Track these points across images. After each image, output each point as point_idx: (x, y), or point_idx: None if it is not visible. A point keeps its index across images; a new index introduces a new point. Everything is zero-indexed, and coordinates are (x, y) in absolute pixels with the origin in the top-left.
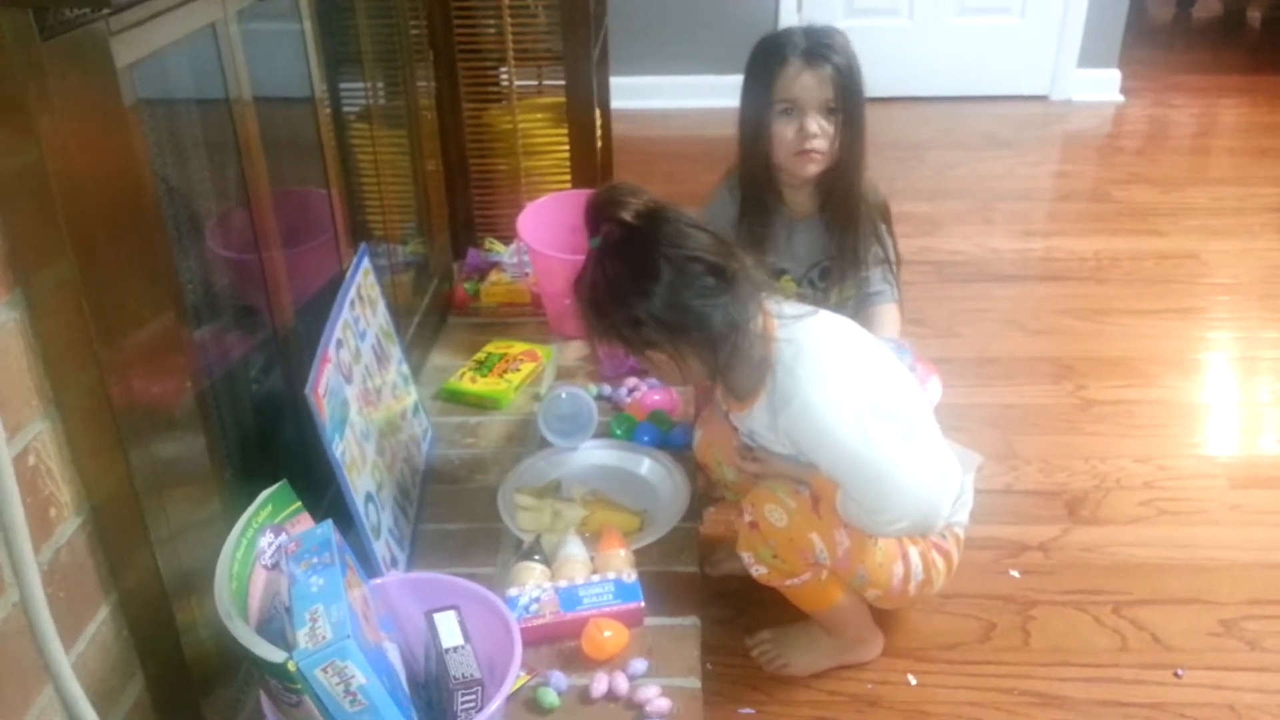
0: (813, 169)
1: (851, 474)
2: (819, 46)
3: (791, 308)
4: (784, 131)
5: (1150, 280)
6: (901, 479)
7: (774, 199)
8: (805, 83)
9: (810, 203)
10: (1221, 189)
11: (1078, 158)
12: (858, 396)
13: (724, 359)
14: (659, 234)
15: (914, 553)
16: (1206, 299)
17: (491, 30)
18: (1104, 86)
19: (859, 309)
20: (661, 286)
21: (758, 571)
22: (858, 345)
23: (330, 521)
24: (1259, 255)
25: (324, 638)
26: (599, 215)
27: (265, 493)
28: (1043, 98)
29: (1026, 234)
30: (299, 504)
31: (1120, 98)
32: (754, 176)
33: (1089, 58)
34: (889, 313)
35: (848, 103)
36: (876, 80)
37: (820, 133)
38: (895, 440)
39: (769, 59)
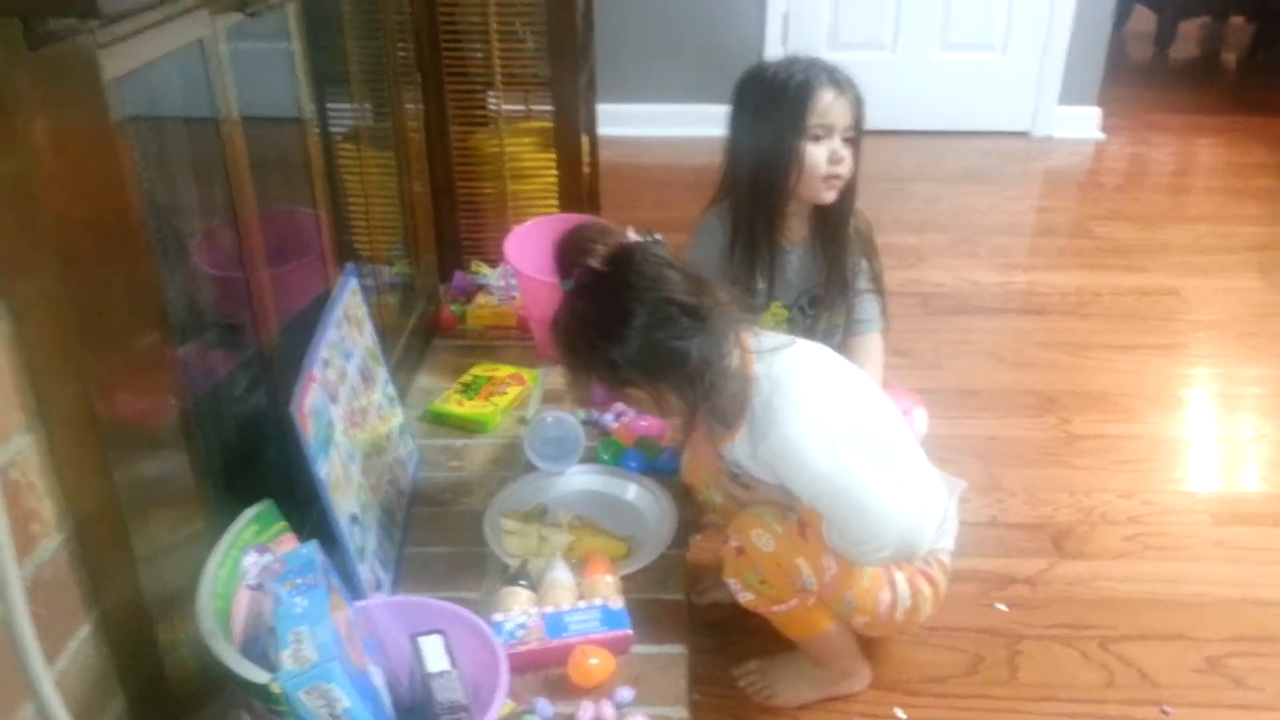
0: (833, 194)
1: (831, 505)
2: (841, 75)
3: (769, 339)
4: (817, 156)
5: (1131, 316)
6: (881, 507)
7: (769, 227)
8: (839, 108)
9: (803, 229)
10: (1200, 226)
11: (1059, 193)
12: (834, 426)
13: (702, 395)
14: (629, 276)
15: (900, 579)
16: (1187, 335)
17: (479, 55)
18: (1084, 124)
19: (846, 336)
20: (634, 329)
21: (744, 598)
22: (835, 374)
23: (315, 542)
24: (1238, 293)
25: (308, 660)
26: (569, 259)
27: (250, 511)
28: (1024, 134)
29: (1009, 268)
30: (284, 524)
31: (1100, 135)
32: (755, 205)
33: (1069, 95)
34: (873, 343)
35: (860, 129)
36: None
37: (846, 157)
38: (874, 468)
39: (795, 87)
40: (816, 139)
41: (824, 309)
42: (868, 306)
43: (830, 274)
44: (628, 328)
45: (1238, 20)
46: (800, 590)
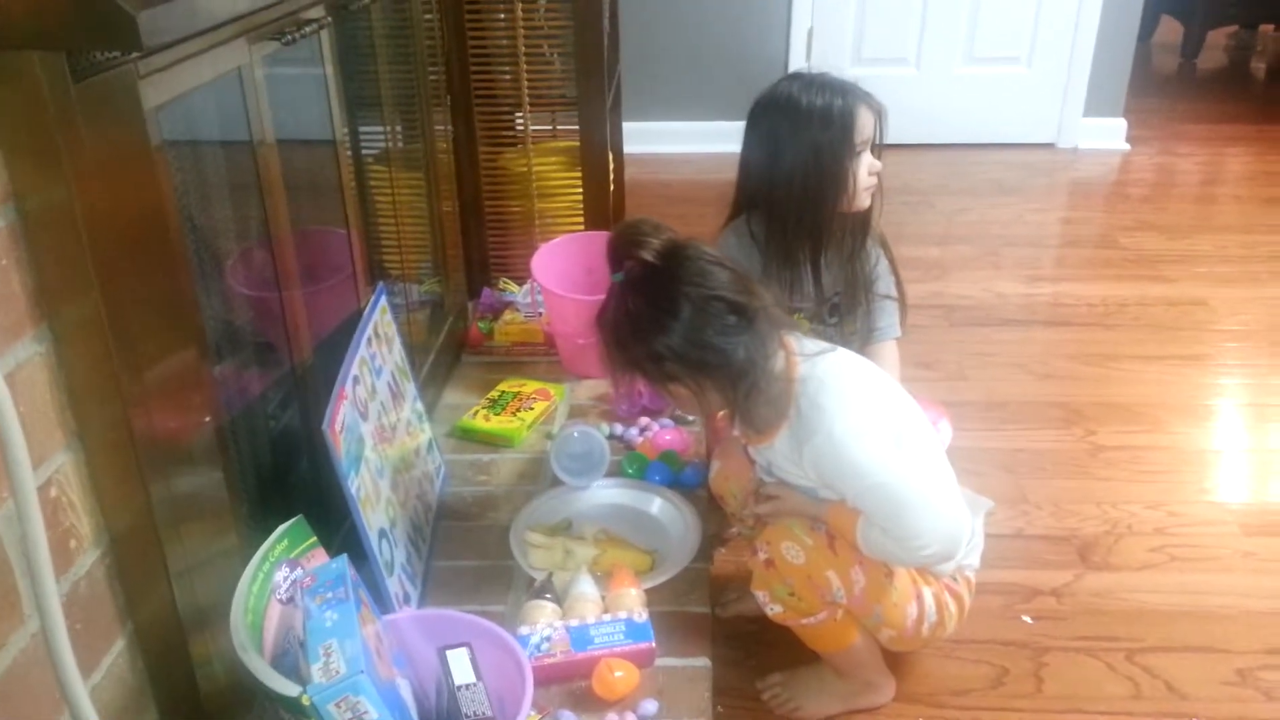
0: (869, 198)
1: (878, 503)
2: (865, 91)
3: (812, 344)
4: (860, 170)
5: (1158, 326)
6: (928, 505)
7: (814, 242)
8: (869, 123)
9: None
10: (1228, 236)
11: (1084, 204)
12: (881, 425)
13: (744, 393)
14: (680, 271)
15: (928, 593)
16: (1214, 345)
17: (507, 77)
18: (1110, 135)
19: (863, 344)
20: (682, 323)
21: (773, 610)
22: (877, 379)
23: (345, 556)
24: (1266, 302)
25: (337, 672)
26: (621, 251)
27: (282, 527)
28: (1049, 145)
29: (1034, 279)
30: (315, 539)
31: (1126, 146)
32: (799, 222)
33: (1095, 107)
34: (889, 350)
35: (883, 137)
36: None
37: (879, 164)
38: (919, 467)
39: (840, 113)
40: (858, 154)
41: (845, 315)
42: (887, 313)
43: (851, 278)
44: (675, 321)
45: (1267, 28)
46: (829, 603)
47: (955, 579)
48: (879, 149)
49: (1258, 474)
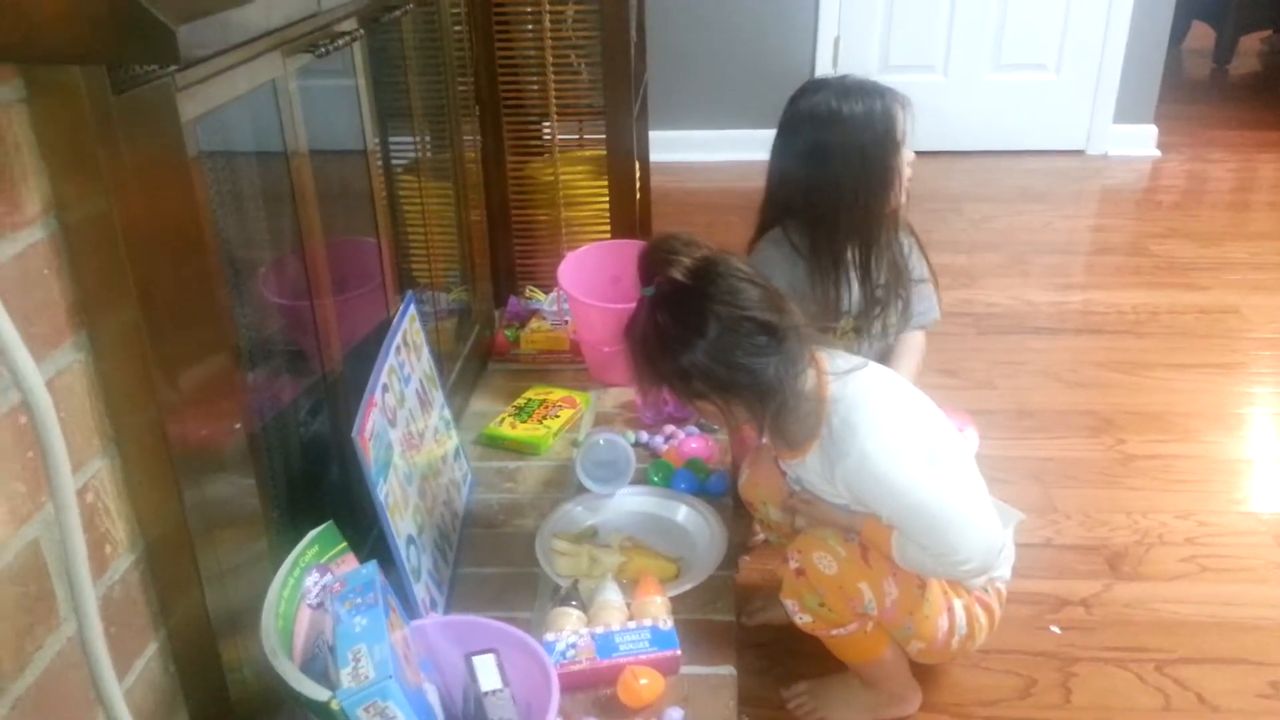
0: (905, 194)
1: (914, 520)
2: (893, 89)
3: (843, 361)
4: (903, 166)
5: (1190, 334)
6: (966, 521)
7: (868, 243)
8: (903, 118)
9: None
10: (1261, 243)
11: (1115, 212)
12: (915, 443)
13: (773, 412)
14: (710, 290)
15: (959, 605)
16: (1248, 354)
17: (535, 87)
18: (1140, 142)
19: (904, 330)
20: (709, 343)
21: (802, 620)
22: (909, 397)
23: (375, 562)
24: None
25: (366, 677)
26: (653, 266)
27: (312, 533)
28: (1079, 152)
29: (1064, 287)
30: (345, 544)
31: (1157, 153)
32: (851, 225)
33: (1125, 113)
34: (919, 337)
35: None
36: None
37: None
38: (954, 482)
39: (883, 114)
40: (899, 151)
41: (888, 309)
42: (925, 296)
43: (894, 272)
44: (703, 340)
45: None
46: (860, 615)
47: (986, 590)
48: (908, 140)
49: None
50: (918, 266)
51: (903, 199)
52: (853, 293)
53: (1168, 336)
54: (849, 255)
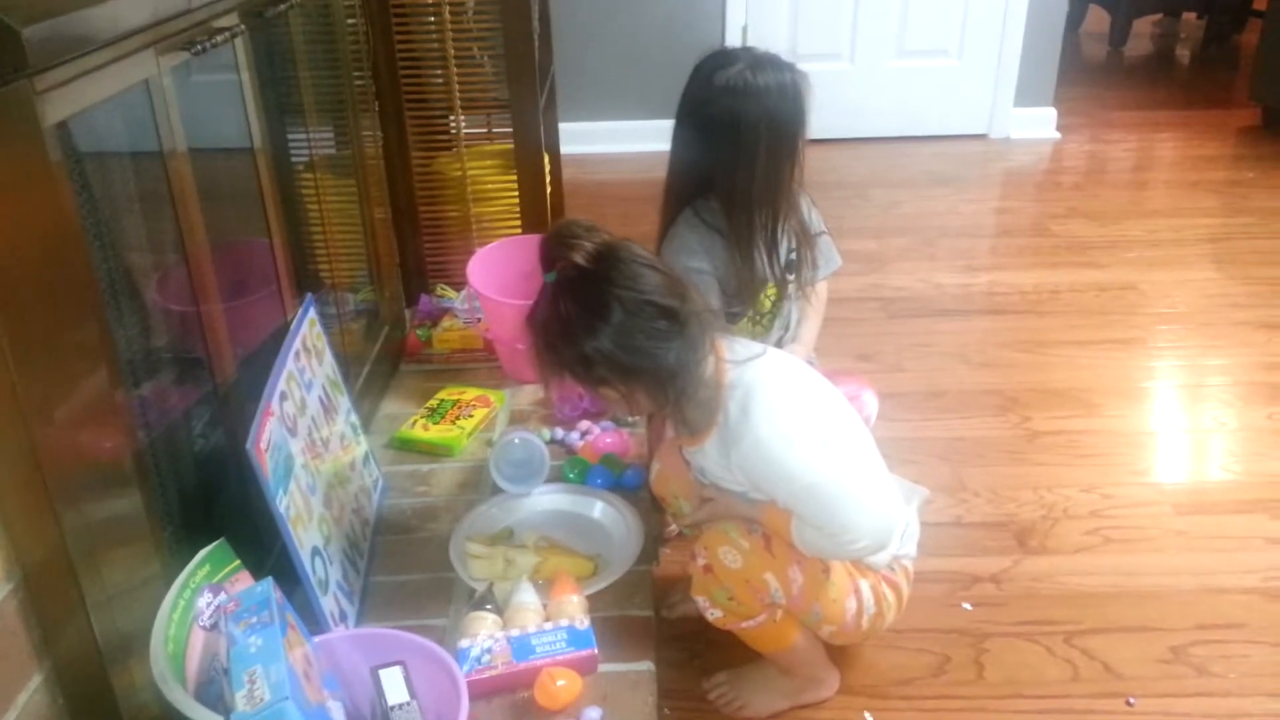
0: None
1: (808, 502)
2: (787, 60)
3: (744, 348)
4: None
5: (1090, 312)
6: (858, 500)
7: (775, 215)
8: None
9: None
10: (1157, 221)
11: (1017, 194)
12: (808, 427)
13: (673, 398)
14: (612, 274)
15: (865, 586)
16: (1146, 329)
17: (438, 80)
18: (1040, 124)
19: (813, 283)
20: (612, 327)
21: (713, 615)
22: (805, 383)
23: (270, 579)
24: (1196, 285)
25: (262, 699)
26: (554, 251)
27: (203, 552)
28: (982, 136)
29: (969, 269)
30: (238, 562)
31: (1057, 135)
32: (764, 199)
33: (1025, 97)
34: (820, 291)
35: None
36: (820, 122)
37: None
38: (847, 463)
39: (794, 85)
40: (808, 127)
41: (801, 269)
42: (827, 246)
43: (801, 233)
44: (606, 325)
45: (1190, 16)
46: (768, 605)
47: (893, 569)
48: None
49: (1189, 454)
50: (815, 222)
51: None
52: (766, 260)
53: (1069, 314)
54: (764, 225)
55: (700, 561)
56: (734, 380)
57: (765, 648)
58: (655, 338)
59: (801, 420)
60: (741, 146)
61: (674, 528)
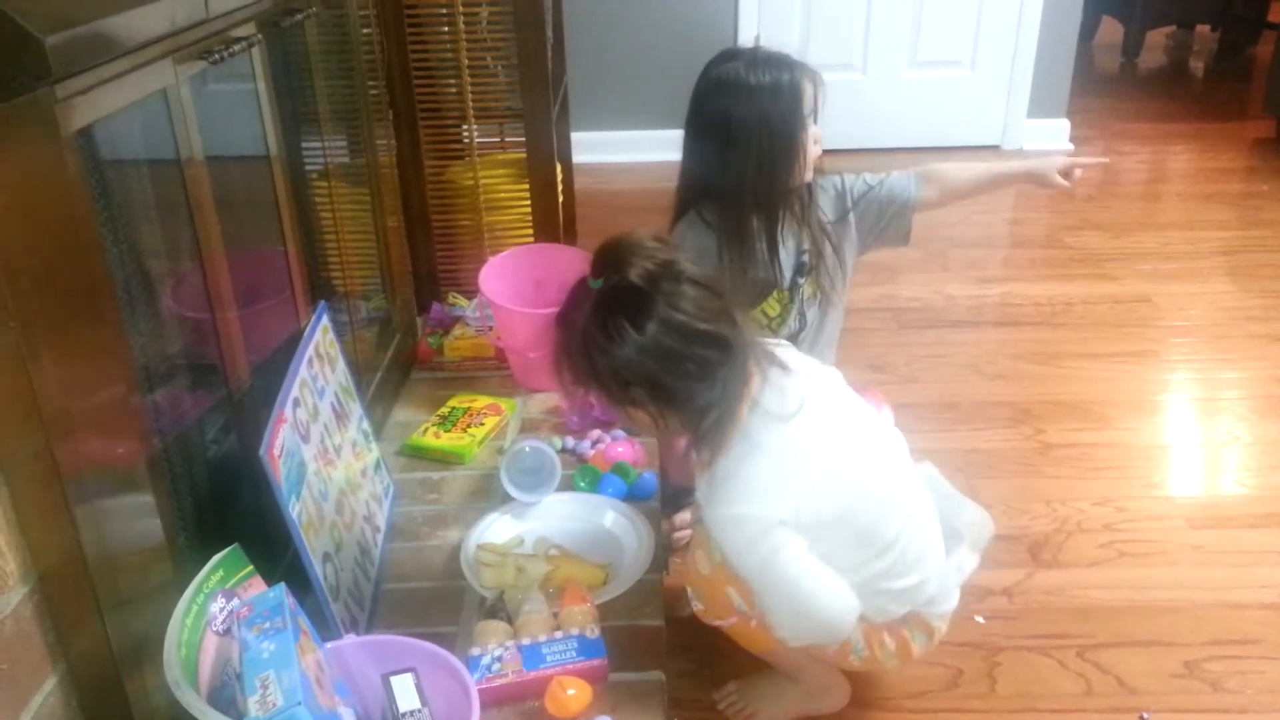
0: (811, 172)
1: (748, 578)
2: (802, 63)
3: (775, 401)
4: (809, 139)
5: (1104, 324)
6: (788, 609)
7: (772, 219)
8: (814, 93)
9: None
10: (1171, 233)
11: (1030, 205)
12: (774, 521)
13: (709, 427)
14: (665, 300)
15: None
16: (1160, 342)
17: (452, 90)
18: (1054, 135)
19: (912, 208)
20: (661, 350)
21: (696, 608)
22: (823, 453)
23: (283, 585)
24: (1210, 298)
25: (274, 705)
26: (608, 263)
27: (216, 557)
28: (994, 147)
29: (982, 280)
30: (251, 567)
31: (1070, 146)
32: (755, 202)
33: (1038, 108)
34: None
35: (820, 105)
36: (832, 132)
37: (820, 133)
38: (802, 570)
39: (789, 87)
40: (807, 125)
41: (811, 268)
42: (895, 180)
43: (815, 234)
44: (654, 346)
45: (1203, 29)
46: (736, 612)
47: (907, 621)
48: (819, 116)
49: (1203, 468)
50: (860, 180)
51: (808, 175)
52: (763, 265)
53: (1083, 327)
54: (756, 228)
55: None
56: (743, 435)
57: (751, 647)
58: (704, 366)
59: (770, 511)
60: (734, 146)
61: (682, 534)
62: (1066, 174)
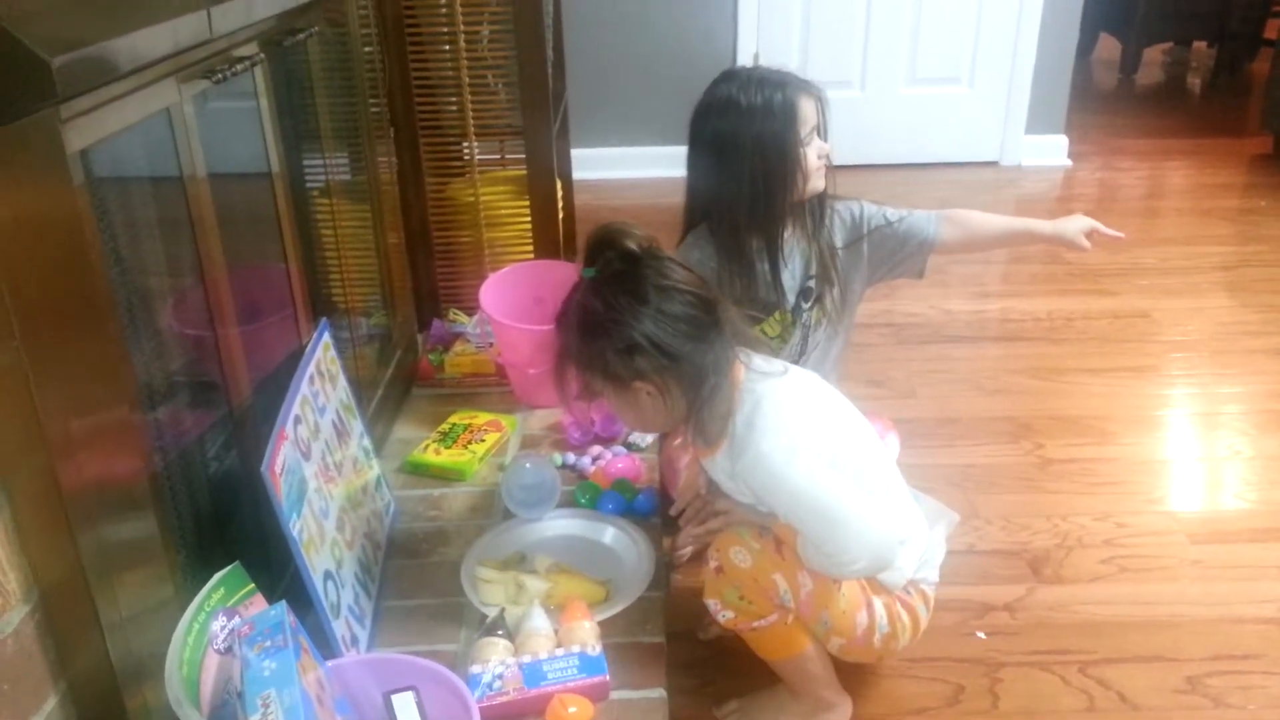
0: (823, 178)
1: (805, 519)
2: (802, 79)
3: (763, 362)
4: (810, 154)
5: (1103, 339)
6: (855, 521)
7: (771, 236)
8: (811, 110)
9: (797, 224)
10: (1169, 249)
11: None
12: (811, 447)
13: (707, 396)
14: (659, 267)
15: (878, 603)
16: (1160, 357)
17: (453, 107)
18: (1052, 152)
19: (926, 253)
20: (657, 311)
21: (724, 617)
22: (818, 401)
23: (284, 603)
24: (1209, 313)
25: None
26: (602, 244)
27: (217, 575)
28: (993, 163)
29: (982, 296)
30: (252, 585)
31: (1068, 162)
32: (752, 220)
33: (1036, 124)
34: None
35: (826, 119)
36: (831, 149)
37: (827, 145)
38: (849, 483)
39: (782, 105)
40: (807, 141)
41: (818, 291)
42: (916, 219)
43: (821, 256)
44: (649, 308)
45: (1200, 45)
46: (779, 606)
47: (909, 592)
48: (821, 129)
49: (1204, 483)
50: (878, 214)
51: (819, 186)
52: (765, 287)
53: (1082, 342)
54: (755, 249)
55: (712, 564)
56: (746, 390)
57: (775, 654)
58: (697, 327)
59: (805, 437)
60: (728, 168)
61: (684, 552)
62: (1088, 235)
